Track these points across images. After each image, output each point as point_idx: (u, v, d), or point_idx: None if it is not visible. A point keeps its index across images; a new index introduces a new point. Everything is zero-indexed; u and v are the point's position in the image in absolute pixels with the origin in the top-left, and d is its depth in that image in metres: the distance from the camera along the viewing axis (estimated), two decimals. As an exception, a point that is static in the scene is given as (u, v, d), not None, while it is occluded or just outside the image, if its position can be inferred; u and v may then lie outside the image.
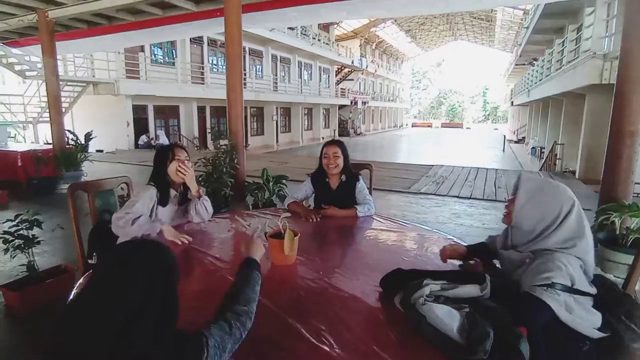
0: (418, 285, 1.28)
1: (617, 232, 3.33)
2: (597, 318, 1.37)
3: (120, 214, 1.94)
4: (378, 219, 2.47)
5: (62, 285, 2.95)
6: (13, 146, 7.81)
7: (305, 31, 23.39)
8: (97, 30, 7.18)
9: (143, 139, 14.31)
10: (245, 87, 18.85)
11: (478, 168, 9.93)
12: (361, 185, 2.59)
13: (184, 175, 2.12)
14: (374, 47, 36.72)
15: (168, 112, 16.00)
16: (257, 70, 20.73)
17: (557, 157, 11.50)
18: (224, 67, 18.11)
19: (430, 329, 1.15)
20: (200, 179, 4.62)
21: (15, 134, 12.21)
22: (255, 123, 21.25)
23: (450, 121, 65.13)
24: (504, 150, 22.67)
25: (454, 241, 2.03)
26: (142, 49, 14.15)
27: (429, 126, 58.06)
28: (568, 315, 1.26)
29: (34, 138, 12.38)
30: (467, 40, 46.20)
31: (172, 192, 2.16)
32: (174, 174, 2.13)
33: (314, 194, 2.70)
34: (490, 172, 9.32)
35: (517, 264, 1.49)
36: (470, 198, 6.59)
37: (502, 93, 48.32)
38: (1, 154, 6.95)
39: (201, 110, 17.22)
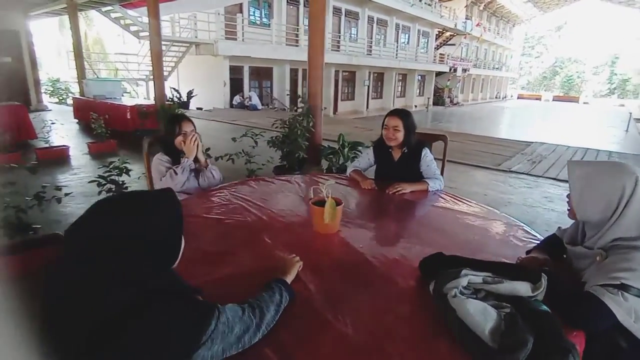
0: (454, 274, 1.14)
1: None
2: None
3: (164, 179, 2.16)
4: (444, 196, 2.27)
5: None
6: (125, 101, 8.75)
7: (405, -10, 21.95)
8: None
9: (237, 99, 15.10)
10: (338, 51, 18.65)
11: (587, 149, 8.66)
12: (429, 159, 2.38)
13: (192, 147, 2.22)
14: (481, 8, 33.18)
15: (262, 74, 16.56)
16: (352, 32, 20.19)
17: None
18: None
19: (458, 324, 1.01)
20: (275, 139, 4.75)
21: (130, 90, 13.72)
22: (346, 87, 21.00)
23: (565, 94, 57.15)
24: (627, 130, 19.36)
25: (523, 228, 1.78)
26: (240, 9, 14.61)
27: (537, 99, 51.89)
28: (634, 326, 1.03)
29: (146, 94, 13.82)
30: (599, -2, 39.31)
31: (186, 160, 2.22)
32: (179, 145, 2.22)
33: (376, 164, 2.57)
34: (602, 154, 8.08)
35: (587, 261, 1.27)
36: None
37: (636, 63, 40.48)
38: (115, 107, 7.86)
39: (294, 72, 17.50)
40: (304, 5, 17.26)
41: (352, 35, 20.09)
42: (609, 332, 1.12)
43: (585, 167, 1.25)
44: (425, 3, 24.00)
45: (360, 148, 4.88)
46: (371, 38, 21.36)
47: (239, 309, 0.94)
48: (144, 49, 14.08)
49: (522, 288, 1.11)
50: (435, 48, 27.86)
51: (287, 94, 4.99)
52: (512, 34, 44.20)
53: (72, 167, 5.57)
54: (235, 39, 14.26)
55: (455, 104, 29.95)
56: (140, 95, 13.74)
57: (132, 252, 0.78)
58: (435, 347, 1.00)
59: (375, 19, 21.54)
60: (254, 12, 15.68)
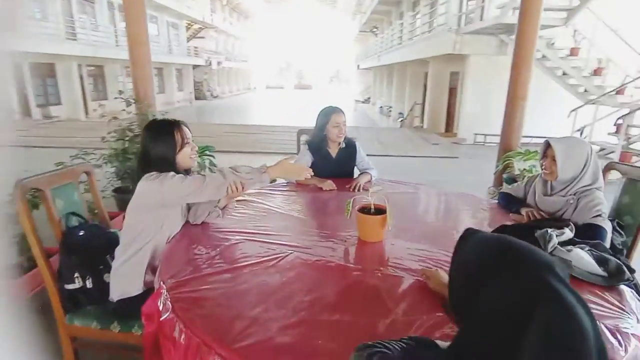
0: (545, 234, 1.46)
1: (516, 173, 4.19)
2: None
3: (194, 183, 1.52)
4: (387, 182, 2.60)
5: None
6: None
7: (147, -23, 20.24)
8: None
9: None
10: (75, 40, 15.42)
11: (357, 127, 10.76)
12: (362, 152, 2.63)
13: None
14: (224, 3, 34.45)
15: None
16: (91, 19, 17.22)
17: (415, 115, 13.40)
18: (46, 14, 14.55)
19: (578, 270, 1.35)
20: (108, 155, 3.87)
21: None
22: (95, 85, 17.88)
23: (299, 82, 67.02)
24: (355, 110, 24.80)
25: (472, 195, 2.28)
26: None
27: (281, 87, 58.79)
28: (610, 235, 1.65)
29: None
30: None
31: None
32: (188, 161, 1.72)
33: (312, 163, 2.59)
34: (369, 130, 10.22)
35: (559, 206, 1.82)
36: (367, 155, 7.16)
37: (348, 56, 51.76)
38: None
39: (16, 67, 13.57)
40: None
41: (92, 23, 17.12)
42: None
43: (564, 142, 1.79)
44: (170, -7, 22.90)
45: (207, 152, 4.54)
46: (115, 27, 18.77)
47: None
48: None
49: (569, 233, 1.54)
50: (187, 40, 27.23)
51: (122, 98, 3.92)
52: (253, 28, 47.92)
53: None
54: None
55: (216, 97, 30.47)
56: None
57: None
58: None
59: (116, 5, 18.94)
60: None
